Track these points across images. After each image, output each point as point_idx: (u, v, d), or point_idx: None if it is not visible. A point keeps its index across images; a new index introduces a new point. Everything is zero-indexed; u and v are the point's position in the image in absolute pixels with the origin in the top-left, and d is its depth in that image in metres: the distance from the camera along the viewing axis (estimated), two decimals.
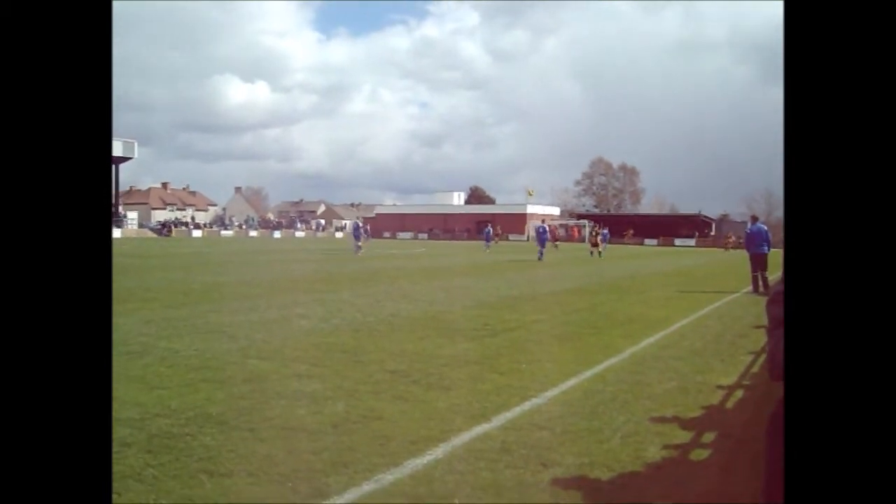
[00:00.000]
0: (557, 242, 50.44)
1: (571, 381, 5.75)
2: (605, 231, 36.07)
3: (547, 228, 32.89)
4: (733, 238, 60.47)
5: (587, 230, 39.52)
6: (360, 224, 34.98)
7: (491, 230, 45.68)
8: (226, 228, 78.75)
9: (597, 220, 73.09)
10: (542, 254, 29.64)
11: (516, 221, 79.49)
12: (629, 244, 63.96)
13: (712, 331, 9.17)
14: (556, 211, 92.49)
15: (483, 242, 44.97)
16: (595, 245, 35.63)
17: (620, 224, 72.85)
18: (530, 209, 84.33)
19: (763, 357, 6.83)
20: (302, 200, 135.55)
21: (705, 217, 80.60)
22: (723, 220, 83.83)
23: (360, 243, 32.45)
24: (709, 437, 4.42)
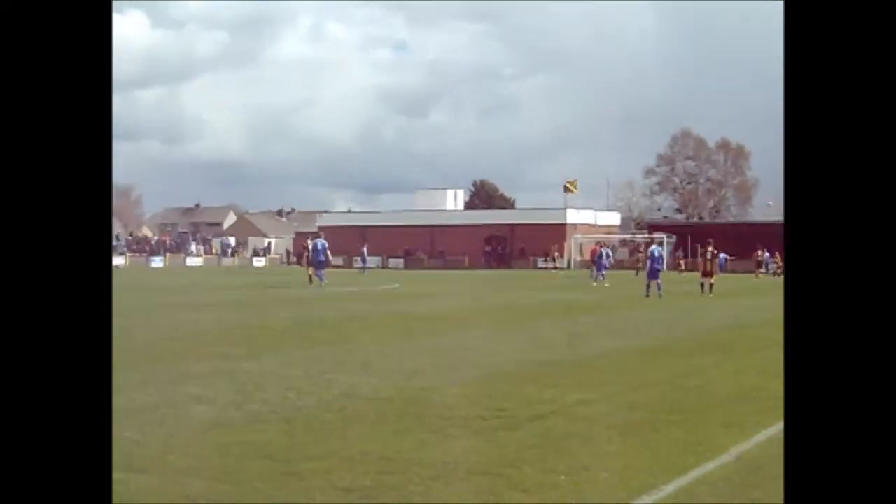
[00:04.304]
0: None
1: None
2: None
3: (658, 253, 23.42)
4: None
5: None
6: (323, 245, 23.56)
7: (605, 254, 30.92)
8: None
9: (678, 231, 52.08)
10: (659, 286, 21.17)
11: (550, 235, 52.47)
12: (738, 273, 38.34)
13: None
14: (614, 218, 64.38)
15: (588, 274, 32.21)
16: (708, 275, 23.34)
17: (720, 236, 37.23)
18: (572, 216, 56.52)
19: None
20: (198, 206, 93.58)
21: None
22: None
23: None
24: None
